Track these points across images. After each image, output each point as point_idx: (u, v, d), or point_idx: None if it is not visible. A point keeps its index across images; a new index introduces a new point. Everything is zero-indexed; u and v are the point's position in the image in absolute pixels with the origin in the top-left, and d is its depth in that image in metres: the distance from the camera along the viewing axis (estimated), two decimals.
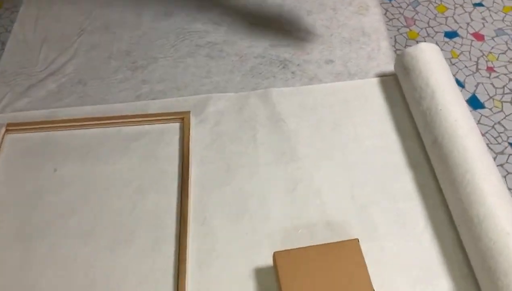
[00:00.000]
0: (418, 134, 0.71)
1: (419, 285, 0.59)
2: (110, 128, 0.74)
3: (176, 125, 0.74)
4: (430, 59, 0.71)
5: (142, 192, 0.67)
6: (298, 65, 0.82)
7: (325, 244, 0.58)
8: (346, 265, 0.57)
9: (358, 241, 0.58)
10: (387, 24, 0.88)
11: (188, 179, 0.67)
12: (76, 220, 0.65)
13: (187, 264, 0.61)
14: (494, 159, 0.72)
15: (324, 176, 0.68)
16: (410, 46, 0.70)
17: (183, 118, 0.74)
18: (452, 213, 0.62)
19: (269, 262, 0.60)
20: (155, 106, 0.77)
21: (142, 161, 0.70)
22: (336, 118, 0.75)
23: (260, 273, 0.61)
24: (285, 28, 0.88)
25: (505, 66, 0.85)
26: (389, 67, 0.81)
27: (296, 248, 0.58)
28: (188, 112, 0.75)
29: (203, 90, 0.79)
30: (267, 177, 0.68)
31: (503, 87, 0.82)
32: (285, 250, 0.58)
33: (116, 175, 0.69)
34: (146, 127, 0.74)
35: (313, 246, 0.58)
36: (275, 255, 0.57)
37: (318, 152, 0.71)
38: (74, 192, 0.67)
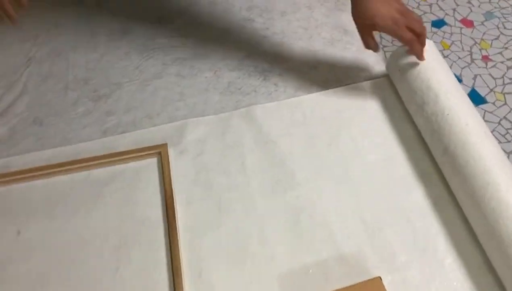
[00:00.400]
0: (423, 143, 0.65)
1: None
2: (77, 173, 0.64)
3: (153, 161, 0.65)
4: (426, 57, 0.64)
5: (124, 247, 0.58)
6: (279, 75, 0.74)
7: (345, 289, 0.51)
8: None
9: (381, 279, 0.51)
10: None
11: (175, 225, 0.59)
12: None
13: None
14: None
15: (327, 201, 0.61)
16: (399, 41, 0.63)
17: (160, 152, 0.65)
18: (476, 230, 0.56)
19: None
20: (125, 141, 0.67)
21: (119, 209, 0.61)
22: (330, 132, 0.68)
23: None
24: (259, 34, 0.80)
25: (501, 53, 0.79)
26: (380, 67, 0.74)
27: None
28: (165, 144, 0.66)
29: (179, 115, 0.70)
30: (264, 211, 0.61)
31: (503, 77, 0.76)
32: None
33: (91, 229, 0.59)
34: (119, 167, 0.65)
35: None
36: None
37: (317, 173, 0.63)
38: (44, 258, 0.58)
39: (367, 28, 0.65)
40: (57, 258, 0.58)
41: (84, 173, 0.64)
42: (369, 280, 0.52)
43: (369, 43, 0.66)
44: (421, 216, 0.60)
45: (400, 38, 0.63)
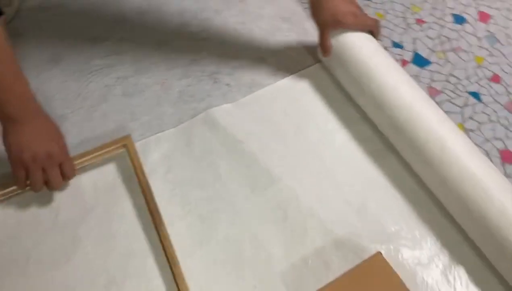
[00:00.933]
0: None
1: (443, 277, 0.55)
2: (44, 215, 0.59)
3: (123, 187, 0.61)
4: (360, 39, 0.66)
5: (114, 283, 0.54)
6: (229, 74, 0.73)
7: (351, 270, 0.51)
8: (380, 282, 0.51)
9: (381, 253, 0.52)
10: (301, 2, 0.81)
11: (169, 244, 0.55)
12: None
13: None
14: (461, 113, 0.70)
15: (309, 189, 0.61)
16: None
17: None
18: (432, 188, 0.59)
19: None
20: (83, 178, 0.62)
21: (98, 247, 0.57)
22: (294, 121, 0.67)
23: None
24: (199, 37, 0.78)
25: (431, 14, 0.82)
26: None
27: (327, 287, 0.50)
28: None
29: (135, 136, 0.66)
30: (250, 214, 0.59)
31: (439, 36, 0.80)
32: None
33: (75, 275, 0.55)
34: (88, 204, 0.60)
35: (341, 277, 0.51)
36: None
37: (291, 165, 0.63)
38: None
39: (327, 27, 0.66)
40: None
41: (52, 215, 0.59)
42: (370, 258, 0.52)
43: (327, 45, 0.66)
44: (401, 182, 0.62)
45: (365, 26, 0.65)
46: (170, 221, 0.58)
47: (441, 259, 0.56)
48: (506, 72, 0.77)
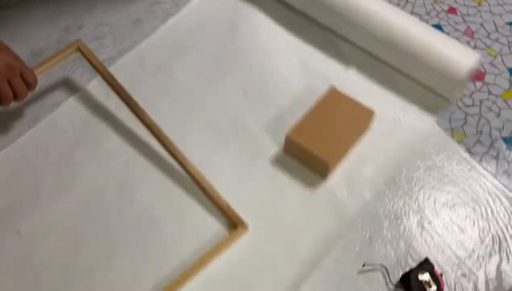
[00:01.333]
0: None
1: None
2: None
3: None
4: None
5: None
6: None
7: (313, 108, 0.66)
8: (344, 109, 0.66)
9: (334, 87, 0.67)
10: None
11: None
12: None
13: None
14: None
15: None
16: None
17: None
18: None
19: None
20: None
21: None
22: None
23: None
24: None
25: None
26: None
27: (300, 120, 0.64)
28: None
29: None
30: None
31: None
32: (294, 127, 0.64)
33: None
34: None
35: (307, 114, 0.65)
36: (289, 137, 0.64)
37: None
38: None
39: None
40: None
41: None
42: (325, 93, 0.67)
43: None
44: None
45: None
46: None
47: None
48: (459, 4, 0.84)
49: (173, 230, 0.61)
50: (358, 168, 0.65)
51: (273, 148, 0.67)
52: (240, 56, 0.76)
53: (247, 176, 0.65)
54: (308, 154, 0.63)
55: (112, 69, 0.70)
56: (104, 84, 0.69)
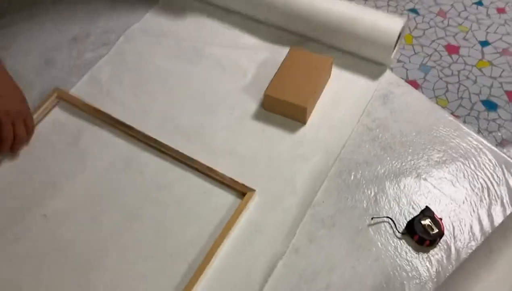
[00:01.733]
0: None
1: None
2: None
3: None
4: None
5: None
6: None
7: (281, 67, 0.76)
8: (305, 61, 0.76)
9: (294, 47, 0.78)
10: None
11: None
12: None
13: None
14: (407, 26, 0.85)
15: None
16: None
17: None
18: None
19: None
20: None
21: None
22: None
23: None
24: None
25: None
26: None
27: (273, 79, 0.74)
28: None
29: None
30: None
31: None
32: (270, 85, 0.73)
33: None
34: None
35: (279, 71, 0.75)
36: (267, 94, 0.73)
37: None
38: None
39: None
40: None
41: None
42: (288, 53, 0.76)
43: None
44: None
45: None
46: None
47: None
48: None
49: (184, 193, 0.68)
50: (331, 109, 0.76)
51: (254, 107, 0.76)
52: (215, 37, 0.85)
53: (239, 137, 0.73)
54: (286, 104, 0.72)
55: None
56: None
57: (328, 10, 0.78)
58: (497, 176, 0.69)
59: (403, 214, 0.66)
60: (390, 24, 0.76)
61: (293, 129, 0.74)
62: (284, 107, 0.73)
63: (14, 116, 0.65)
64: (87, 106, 0.75)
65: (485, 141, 0.73)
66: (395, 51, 0.79)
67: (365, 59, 0.79)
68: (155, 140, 0.71)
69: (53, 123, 0.75)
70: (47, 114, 0.75)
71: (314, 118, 0.75)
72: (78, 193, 0.68)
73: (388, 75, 0.80)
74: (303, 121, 0.74)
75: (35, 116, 0.73)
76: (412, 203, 0.67)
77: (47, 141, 0.73)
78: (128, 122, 0.73)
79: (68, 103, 0.76)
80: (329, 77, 0.78)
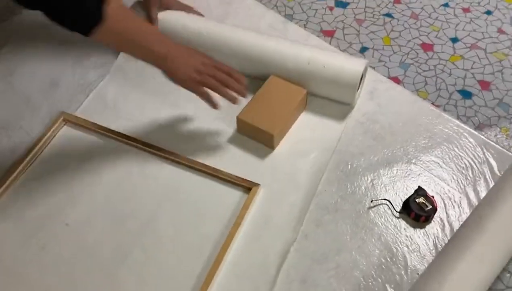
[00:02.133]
0: None
1: None
2: None
3: None
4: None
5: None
6: None
7: (258, 94, 0.79)
8: (280, 90, 0.79)
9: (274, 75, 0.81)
10: None
11: None
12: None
13: None
14: (384, 28, 0.93)
15: None
16: None
17: None
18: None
19: None
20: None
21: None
22: None
23: None
24: None
25: None
26: None
27: (248, 104, 0.77)
28: None
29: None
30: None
31: None
32: (243, 110, 0.76)
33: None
34: None
35: (252, 101, 0.78)
36: (239, 118, 0.76)
37: None
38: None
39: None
40: None
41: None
42: (267, 81, 0.80)
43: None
44: None
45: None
46: None
47: None
48: None
49: (194, 193, 0.73)
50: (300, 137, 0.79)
51: (231, 130, 0.80)
52: None
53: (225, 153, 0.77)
54: (256, 129, 0.76)
55: None
56: None
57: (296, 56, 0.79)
58: (478, 156, 0.77)
59: (399, 195, 0.73)
60: (354, 63, 0.78)
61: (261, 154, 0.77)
62: (254, 132, 0.77)
63: (207, 68, 0.71)
64: (94, 125, 0.80)
65: (464, 126, 0.80)
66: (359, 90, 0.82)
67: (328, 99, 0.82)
68: (164, 150, 0.76)
69: (63, 144, 0.79)
70: (55, 137, 0.79)
71: (284, 144, 0.78)
72: (98, 201, 0.72)
73: (371, 73, 0.87)
74: (271, 147, 0.77)
75: (44, 139, 0.77)
76: (405, 185, 0.74)
77: (60, 161, 0.77)
78: (135, 135, 0.78)
79: (74, 124, 0.80)
80: (304, 108, 0.81)
